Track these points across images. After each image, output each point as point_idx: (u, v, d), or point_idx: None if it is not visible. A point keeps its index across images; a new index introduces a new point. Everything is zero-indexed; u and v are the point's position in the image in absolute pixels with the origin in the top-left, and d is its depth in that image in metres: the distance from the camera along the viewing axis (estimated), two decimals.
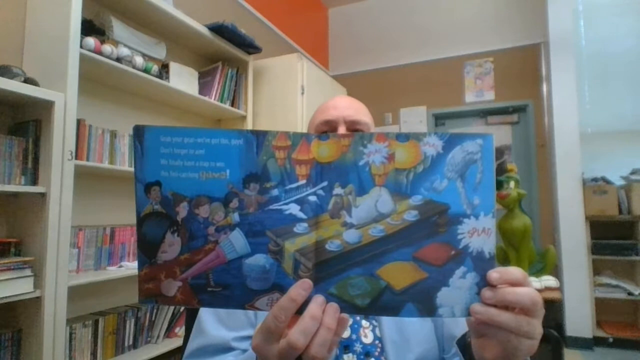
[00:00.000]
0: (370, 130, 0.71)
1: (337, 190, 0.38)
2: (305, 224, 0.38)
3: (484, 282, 0.38)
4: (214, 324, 0.64)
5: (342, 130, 0.72)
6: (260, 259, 0.38)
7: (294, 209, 0.38)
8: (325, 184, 0.38)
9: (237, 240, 0.38)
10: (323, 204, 0.38)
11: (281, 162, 0.38)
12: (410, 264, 0.38)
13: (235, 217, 0.38)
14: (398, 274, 0.38)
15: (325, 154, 0.38)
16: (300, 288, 0.37)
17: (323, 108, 0.77)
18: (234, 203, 0.38)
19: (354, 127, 0.73)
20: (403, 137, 0.38)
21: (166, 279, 0.39)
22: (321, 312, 0.37)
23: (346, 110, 0.74)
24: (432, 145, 0.38)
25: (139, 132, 0.38)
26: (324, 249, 0.38)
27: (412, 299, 0.38)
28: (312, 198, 0.38)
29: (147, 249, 0.39)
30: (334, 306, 0.38)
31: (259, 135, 0.38)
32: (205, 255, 0.38)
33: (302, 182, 0.38)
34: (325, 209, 0.38)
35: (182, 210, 0.38)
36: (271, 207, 0.38)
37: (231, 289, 0.39)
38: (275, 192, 0.38)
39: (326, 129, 0.74)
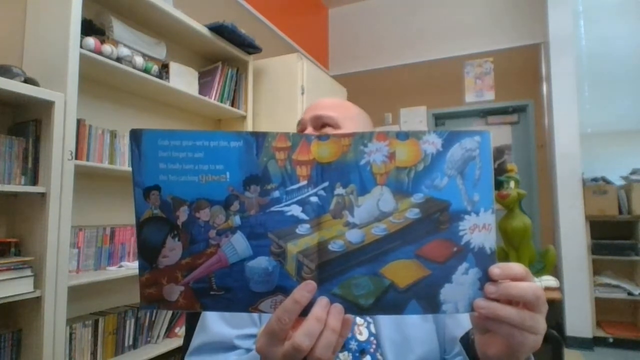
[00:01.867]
0: (341, 124, 0.69)
1: (339, 190, 0.38)
2: (307, 225, 0.38)
3: (486, 278, 0.38)
4: (217, 321, 0.64)
5: (309, 131, 0.70)
6: (262, 262, 0.38)
7: (295, 210, 0.38)
8: (326, 184, 0.38)
9: (238, 243, 0.38)
10: (325, 205, 0.38)
11: (282, 163, 0.38)
12: (414, 262, 0.38)
13: (236, 220, 0.38)
14: (401, 272, 0.38)
15: (326, 154, 0.38)
16: (303, 290, 0.37)
17: (312, 106, 0.75)
18: (235, 206, 0.38)
19: (319, 123, 0.70)
20: (403, 136, 0.38)
21: (168, 283, 0.38)
22: (325, 313, 0.37)
23: (316, 111, 0.71)
24: (432, 144, 0.38)
25: (136, 136, 0.38)
26: (326, 250, 0.38)
27: (416, 296, 0.38)
28: (314, 199, 0.38)
29: (147, 254, 0.38)
30: (338, 307, 0.38)
31: (259, 137, 0.38)
32: (207, 259, 0.38)
33: (303, 183, 0.38)
34: (327, 210, 0.38)
35: (183, 215, 0.38)
36: (272, 208, 0.38)
37: (234, 292, 0.38)
38: (276, 193, 0.38)
39: (314, 125, 0.72)
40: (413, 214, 0.38)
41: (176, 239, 0.38)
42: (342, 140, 0.38)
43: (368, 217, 0.38)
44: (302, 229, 0.38)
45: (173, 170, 0.38)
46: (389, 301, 0.38)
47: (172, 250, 0.38)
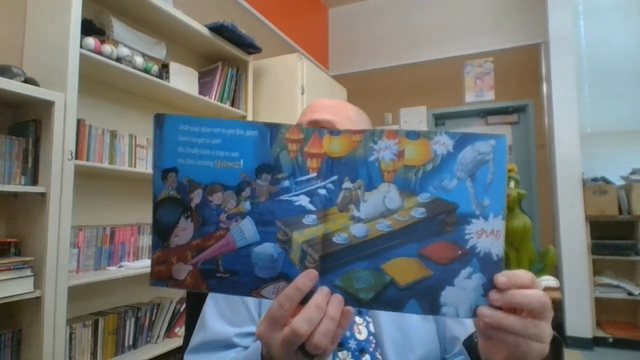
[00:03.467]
0: (339, 126, 0.67)
1: (347, 184, 0.39)
2: (314, 216, 0.39)
3: (490, 284, 0.38)
4: (216, 319, 0.64)
5: None
6: (268, 248, 0.39)
7: (303, 201, 0.39)
8: (335, 178, 0.39)
9: (247, 228, 0.39)
10: (332, 198, 0.39)
11: (293, 154, 0.39)
12: (415, 261, 0.38)
13: (246, 205, 0.39)
14: (403, 269, 0.39)
15: (337, 148, 0.39)
16: (306, 278, 0.38)
17: (309, 108, 0.74)
18: (246, 192, 0.39)
19: (317, 127, 0.70)
20: (413, 135, 0.39)
21: (177, 262, 0.40)
22: (325, 302, 0.38)
23: (313, 115, 0.70)
24: (443, 144, 0.39)
25: (159, 120, 0.40)
26: (331, 242, 0.39)
27: (416, 296, 0.38)
28: (322, 191, 0.39)
29: (161, 233, 0.40)
30: (338, 297, 0.38)
31: (273, 128, 0.39)
32: (216, 242, 0.39)
33: (313, 175, 0.39)
34: (334, 202, 0.39)
35: (196, 197, 0.40)
36: (282, 197, 0.39)
37: (239, 276, 0.39)
38: (286, 183, 0.39)
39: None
40: (418, 213, 0.39)
41: (189, 219, 0.40)
42: (353, 136, 0.39)
43: (373, 213, 0.39)
44: (308, 219, 0.39)
45: (191, 154, 0.39)
46: (389, 297, 0.39)
47: (184, 231, 0.40)
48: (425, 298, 0.38)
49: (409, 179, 0.39)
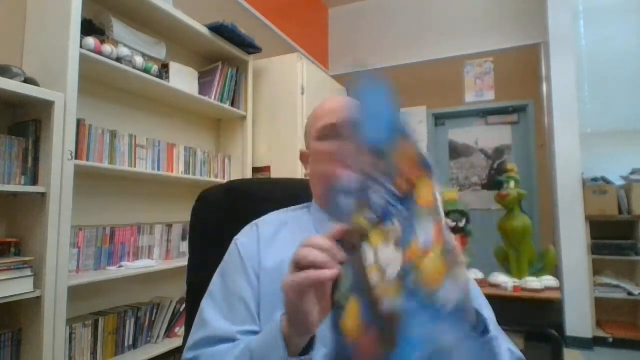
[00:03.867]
0: None
1: (395, 221, 0.40)
2: (373, 217, 0.42)
3: None
4: (217, 317, 0.63)
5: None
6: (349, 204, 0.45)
7: (377, 201, 0.41)
8: (400, 209, 0.40)
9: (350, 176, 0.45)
10: (388, 218, 0.40)
11: (400, 167, 0.41)
12: (358, 326, 0.40)
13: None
14: (350, 317, 0.41)
15: (422, 196, 0.39)
16: (327, 239, 0.46)
17: (321, 113, 0.76)
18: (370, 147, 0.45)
19: (334, 131, 0.72)
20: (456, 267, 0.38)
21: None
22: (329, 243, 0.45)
23: (332, 119, 0.72)
24: (452, 294, 0.36)
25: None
26: (363, 245, 0.42)
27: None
28: (390, 208, 0.40)
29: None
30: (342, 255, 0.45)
31: (406, 135, 0.44)
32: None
33: (394, 190, 0.41)
34: (385, 223, 0.41)
35: None
36: (370, 184, 0.42)
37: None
38: (379, 175, 0.42)
39: (328, 133, 0.73)
40: (387, 304, 0.37)
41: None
42: (436, 210, 0.39)
43: (379, 259, 0.40)
44: (369, 216, 0.42)
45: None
46: (334, 317, 0.43)
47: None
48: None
49: (410, 279, 0.37)
